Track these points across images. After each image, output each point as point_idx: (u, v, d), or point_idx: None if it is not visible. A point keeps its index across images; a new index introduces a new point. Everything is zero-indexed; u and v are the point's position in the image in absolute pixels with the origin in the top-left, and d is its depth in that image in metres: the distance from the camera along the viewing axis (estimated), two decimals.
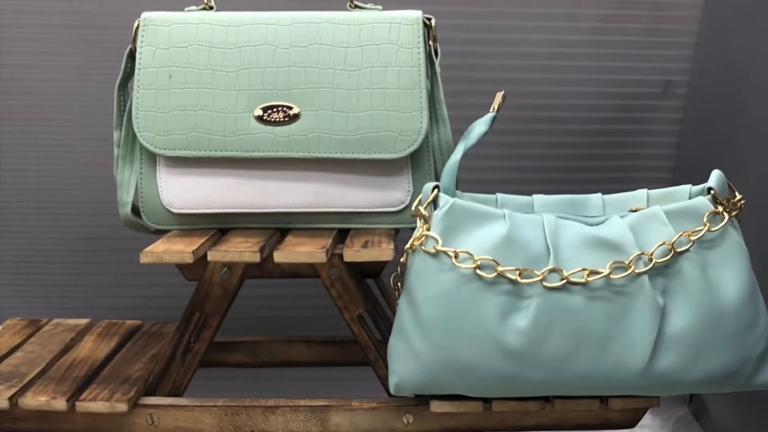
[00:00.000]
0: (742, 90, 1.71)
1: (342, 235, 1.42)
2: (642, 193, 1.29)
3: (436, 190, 1.24)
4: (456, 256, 1.18)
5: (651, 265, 1.17)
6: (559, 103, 1.93)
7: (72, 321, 1.71)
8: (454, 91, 1.61)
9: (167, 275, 1.62)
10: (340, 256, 1.34)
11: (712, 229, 1.19)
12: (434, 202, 1.24)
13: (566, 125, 1.94)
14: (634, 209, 1.26)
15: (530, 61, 1.91)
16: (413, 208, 1.25)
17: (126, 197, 1.43)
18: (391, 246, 1.32)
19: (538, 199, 1.29)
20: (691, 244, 1.18)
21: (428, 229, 1.21)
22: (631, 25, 1.90)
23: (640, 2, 1.89)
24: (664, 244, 1.18)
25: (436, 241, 1.20)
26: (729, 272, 1.19)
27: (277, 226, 1.44)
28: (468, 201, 1.24)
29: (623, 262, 1.17)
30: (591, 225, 1.24)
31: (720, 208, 1.20)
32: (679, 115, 1.94)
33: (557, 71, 1.91)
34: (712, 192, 1.22)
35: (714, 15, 1.85)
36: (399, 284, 1.28)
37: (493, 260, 1.17)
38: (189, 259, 1.29)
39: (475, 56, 1.90)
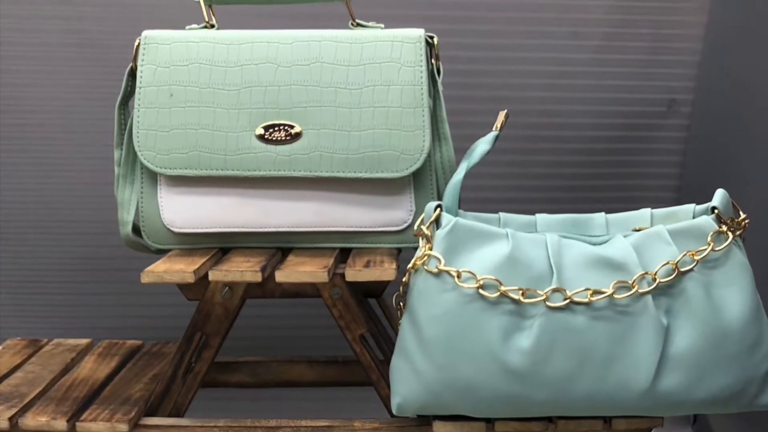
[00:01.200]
0: (746, 108, 1.70)
1: (344, 255, 1.41)
2: (646, 212, 1.28)
3: (438, 209, 1.23)
4: (458, 276, 1.18)
5: (655, 285, 1.16)
6: (563, 121, 1.92)
7: (72, 341, 1.71)
8: (456, 110, 1.61)
9: (168, 295, 1.61)
10: (342, 275, 1.33)
11: (716, 248, 1.18)
12: (437, 222, 1.23)
13: (570, 144, 1.93)
14: (637, 228, 1.25)
15: (533, 80, 1.91)
16: (415, 227, 1.24)
17: (127, 216, 1.43)
18: (393, 266, 1.31)
19: (541, 218, 1.28)
20: (694, 263, 1.17)
21: (431, 249, 1.21)
22: (635, 43, 1.90)
23: (643, 21, 1.88)
24: (667, 263, 1.17)
25: (439, 260, 1.19)
26: (733, 292, 1.18)
27: (279, 246, 1.43)
28: (471, 220, 1.23)
29: (627, 282, 1.16)
30: (594, 244, 1.23)
31: (724, 228, 1.20)
32: (683, 134, 1.93)
33: (560, 90, 1.91)
34: (716, 211, 1.21)
35: (717, 33, 1.85)
36: (401, 304, 1.27)
37: (496, 280, 1.16)
38: (190, 278, 1.28)
39: (477, 75, 1.90)
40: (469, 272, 1.18)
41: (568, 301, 1.16)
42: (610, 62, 1.90)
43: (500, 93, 1.90)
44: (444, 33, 1.51)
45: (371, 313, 1.43)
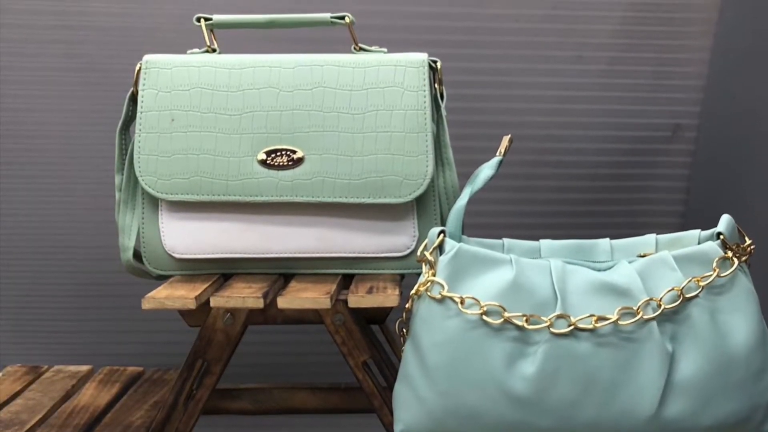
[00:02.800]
0: (751, 133, 1.69)
1: (346, 281, 1.41)
2: (651, 238, 1.27)
3: (441, 235, 1.22)
4: (462, 302, 1.16)
5: (659, 311, 1.15)
6: (566, 146, 1.92)
7: (73, 368, 1.70)
8: (460, 135, 1.60)
9: (169, 321, 1.59)
10: (345, 302, 1.32)
11: (722, 274, 1.17)
12: (440, 247, 1.22)
13: (573, 169, 1.93)
14: (642, 254, 1.24)
15: (537, 105, 1.90)
16: (419, 253, 1.23)
17: (128, 242, 1.42)
18: (396, 292, 1.30)
19: (546, 244, 1.27)
20: (700, 289, 1.16)
21: (434, 275, 1.19)
22: (640, 68, 1.90)
23: (648, 45, 1.88)
24: (672, 289, 1.16)
25: (442, 286, 1.18)
26: (738, 318, 1.17)
27: (281, 272, 1.42)
28: (474, 246, 1.22)
29: (632, 308, 1.15)
30: (599, 270, 1.22)
31: (729, 254, 1.19)
32: (688, 159, 1.93)
33: (564, 114, 1.91)
34: (721, 237, 1.20)
35: (722, 58, 1.84)
36: (404, 330, 1.26)
37: (500, 306, 1.15)
38: (191, 305, 1.28)
39: (481, 99, 1.89)
40: (473, 298, 1.17)
41: (572, 327, 1.14)
42: (614, 87, 1.90)
43: (503, 118, 1.89)
44: (447, 57, 1.50)
45: (374, 340, 1.42)
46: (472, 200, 1.28)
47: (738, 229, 1.23)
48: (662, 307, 1.15)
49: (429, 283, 1.19)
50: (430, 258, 1.21)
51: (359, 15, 1.52)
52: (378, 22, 1.73)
